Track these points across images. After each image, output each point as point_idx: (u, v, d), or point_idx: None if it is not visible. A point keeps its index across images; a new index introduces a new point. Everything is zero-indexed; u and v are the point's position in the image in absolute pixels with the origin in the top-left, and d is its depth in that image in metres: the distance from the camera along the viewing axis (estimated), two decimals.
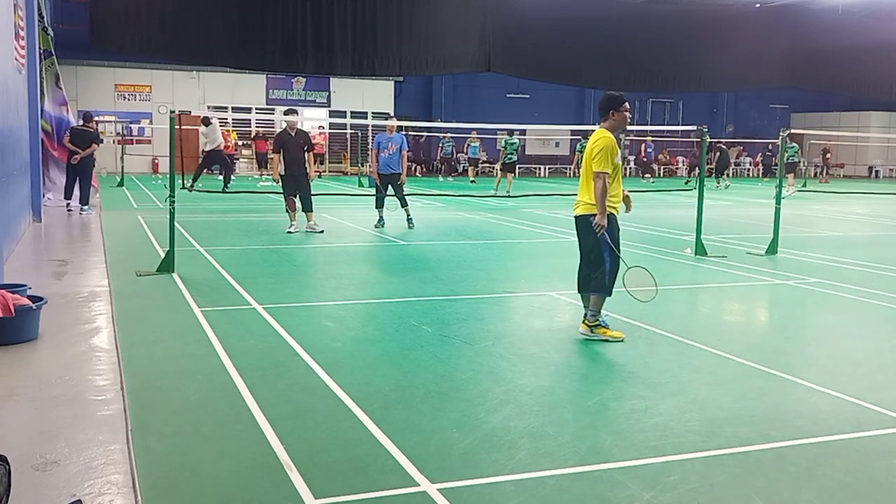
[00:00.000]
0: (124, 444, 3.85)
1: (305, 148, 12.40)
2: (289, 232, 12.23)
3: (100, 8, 19.44)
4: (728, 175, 29.21)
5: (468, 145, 29.10)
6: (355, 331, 6.50)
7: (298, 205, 12.45)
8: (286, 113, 13.63)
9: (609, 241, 5.99)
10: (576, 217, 6.19)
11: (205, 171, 20.74)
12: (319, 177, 12.71)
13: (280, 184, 12.26)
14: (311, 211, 12.54)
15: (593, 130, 6.24)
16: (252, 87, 31.22)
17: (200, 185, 17.52)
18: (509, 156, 21.50)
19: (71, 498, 3.22)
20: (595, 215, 5.97)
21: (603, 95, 6.39)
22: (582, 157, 6.34)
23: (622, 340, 6.01)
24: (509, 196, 19.13)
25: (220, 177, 20.24)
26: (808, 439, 4.14)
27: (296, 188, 12.27)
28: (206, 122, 20.73)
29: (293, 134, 12.36)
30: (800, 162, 26.76)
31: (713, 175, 27.36)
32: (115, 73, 29.65)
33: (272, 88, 31.73)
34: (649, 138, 31.61)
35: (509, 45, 23.58)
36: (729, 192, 25.70)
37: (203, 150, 21.70)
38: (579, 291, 6.29)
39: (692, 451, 3.93)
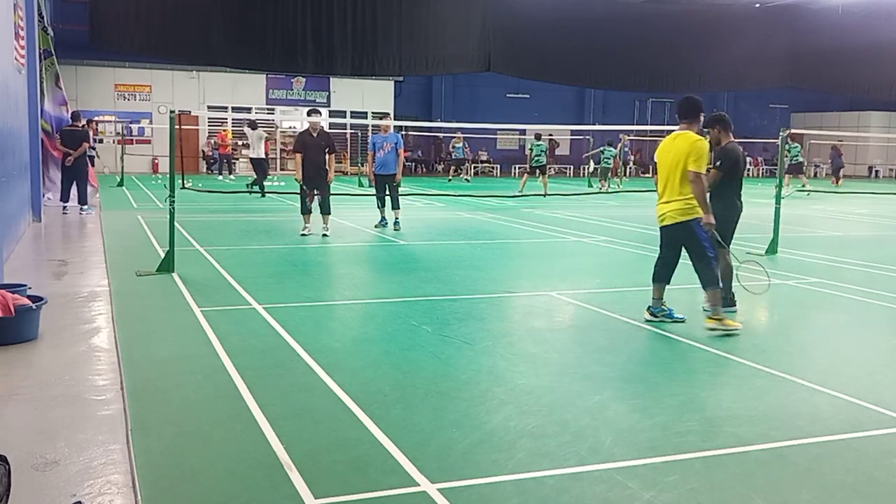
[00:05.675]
0: (124, 444, 3.85)
1: (327, 150, 11.98)
2: (303, 234, 11.99)
3: (100, 8, 19.44)
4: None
5: (453, 146, 29.21)
6: (355, 331, 6.50)
7: (315, 206, 12.14)
8: (309, 113, 12.97)
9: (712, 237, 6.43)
10: (674, 225, 6.41)
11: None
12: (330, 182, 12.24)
13: (301, 184, 11.88)
14: (329, 214, 12.21)
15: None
16: (252, 87, 31.23)
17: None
18: (537, 158, 21.55)
19: (71, 498, 3.22)
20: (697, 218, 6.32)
21: (687, 99, 6.58)
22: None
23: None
24: (545, 195, 19.36)
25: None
26: (808, 439, 4.14)
27: (314, 189, 11.95)
28: (253, 125, 20.67)
29: (315, 135, 11.95)
30: (804, 161, 26.10)
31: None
32: (115, 73, 29.65)
33: (272, 88, 31.73)
34: (626, 138, 31.17)
35: (509, 45, 23.58)
36: None
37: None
38: (663, 281, 6.67)
39: (692, 451, 3.93)
